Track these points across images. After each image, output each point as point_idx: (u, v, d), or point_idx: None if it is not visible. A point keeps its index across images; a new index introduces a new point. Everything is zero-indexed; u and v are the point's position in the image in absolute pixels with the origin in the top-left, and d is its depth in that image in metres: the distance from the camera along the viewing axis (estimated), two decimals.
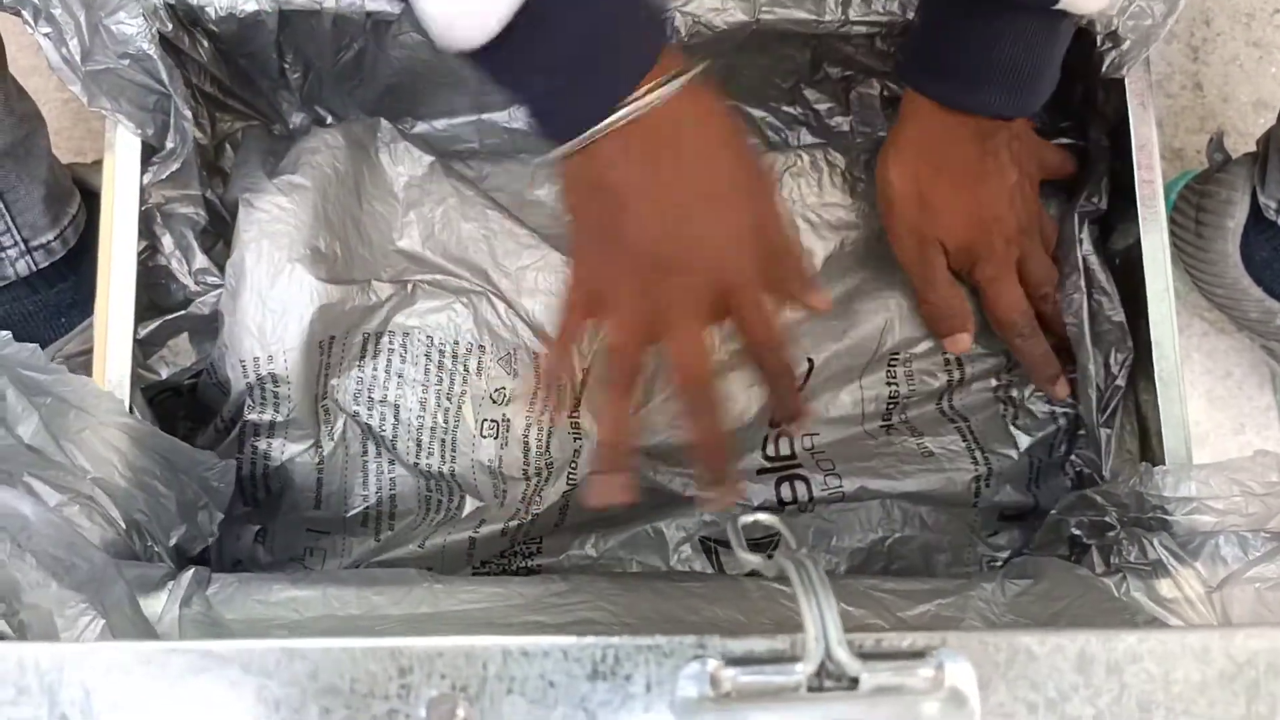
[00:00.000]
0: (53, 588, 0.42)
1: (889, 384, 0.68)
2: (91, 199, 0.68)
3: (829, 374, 0.67)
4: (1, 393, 0.49)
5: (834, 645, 0.27)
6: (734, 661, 0.27)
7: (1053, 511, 0.62)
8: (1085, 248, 0.63)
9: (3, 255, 0.65)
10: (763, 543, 0.66)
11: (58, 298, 0.69)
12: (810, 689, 0.27)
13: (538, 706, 0.26)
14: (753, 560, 0.33)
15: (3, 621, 0.39)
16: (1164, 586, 0.53)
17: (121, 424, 0.52)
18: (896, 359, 0.68)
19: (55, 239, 0.67)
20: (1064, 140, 0.68)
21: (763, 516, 0.35)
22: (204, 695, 0.26)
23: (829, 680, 0.27)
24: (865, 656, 0.27)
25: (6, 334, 0.50)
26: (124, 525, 0.50)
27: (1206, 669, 0.28)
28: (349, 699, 0.26)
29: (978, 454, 0.67)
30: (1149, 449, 0.62)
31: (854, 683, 0.27)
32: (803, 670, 0.27)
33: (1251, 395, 0.83)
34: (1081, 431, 0.68)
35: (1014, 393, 0.69)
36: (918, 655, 0.27)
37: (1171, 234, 0.78)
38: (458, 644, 0.27)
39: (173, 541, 0.54)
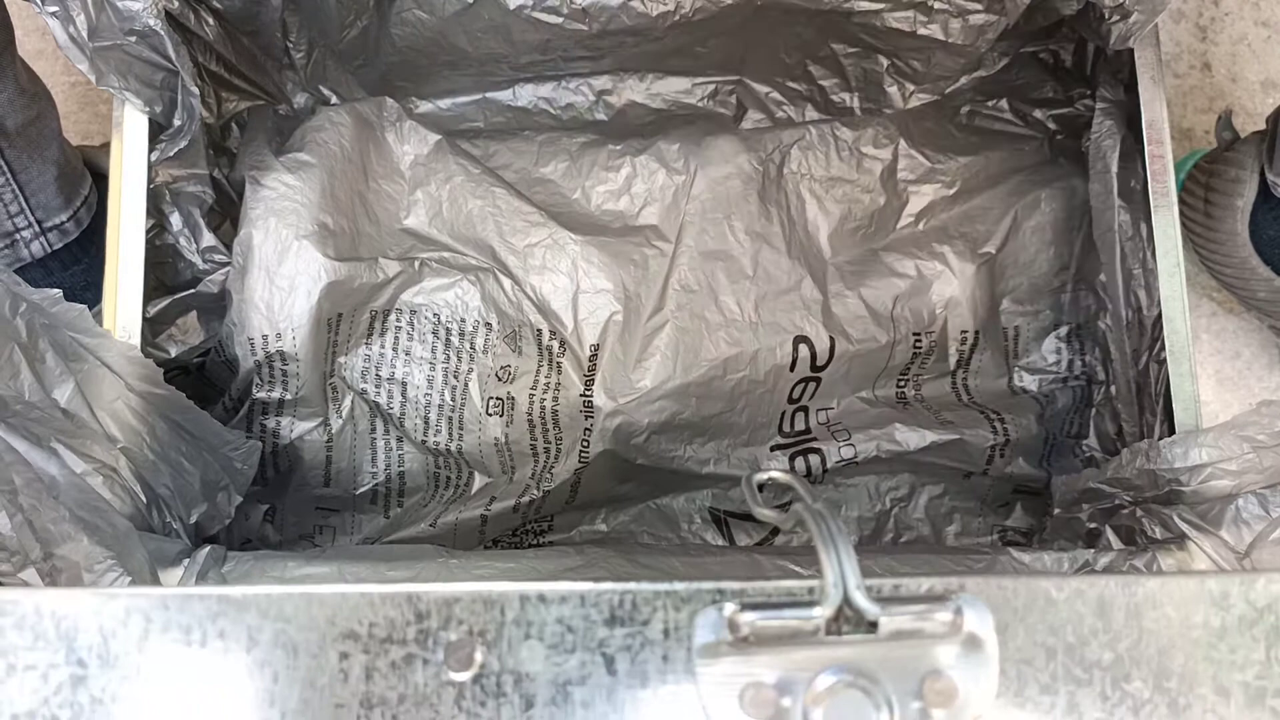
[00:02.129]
0: (84, 542, 0.41)
1: (900, 357, 0.68)
2: (102, 181, 0.68)
3: (843, 346, 0.67)
4: (41, 355, 0.49)
5: (852, 589, 0.26)
6: (752, 606, 0.27)
7: (1057, 511, 0.62)
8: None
9: (18, 236, 0.65)
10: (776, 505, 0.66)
11: (71, 280, 0.69)
12: (829, 633, 0.26)
13: (555, 651, 0.26)
14: (769, 515, 0.33)
15: (34, 570, 0.39)
16: (1195, 560, 0.52)
17: (154, 394, 0.52)
18: (904, 332, 0.68)
19: (69, 219, 0.67)
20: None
21: (776, 474, 0.35)
22: (222, 640, 0.26)
23: (847, 625, 0.27)
24: (883, 600, 0.26)
25: (56, 292, 0.50)
26: (144, 499, 0.50)
27: (1226, 615, 0.28)
28: (367, 644, 0.26)
29: (997, 424, 0.67)
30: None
31: (872, 627, 0.27)
32: (821, 614, 0.26)
33: (1261, 375, 0.83)
34: (1093, 408, 0.68)
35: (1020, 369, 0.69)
36: (936, 599, 0.27)
37: (1180, 214, 0.77)
38: (475, 589, 0.26)
39: (193, 519, 0.54)
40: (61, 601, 0.26)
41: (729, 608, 0.27)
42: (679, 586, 0.27)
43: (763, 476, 0.35)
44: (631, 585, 0.27)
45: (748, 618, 0.26)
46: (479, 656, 0.26)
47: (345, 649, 0.26)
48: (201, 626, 0.26)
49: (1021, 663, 0.27)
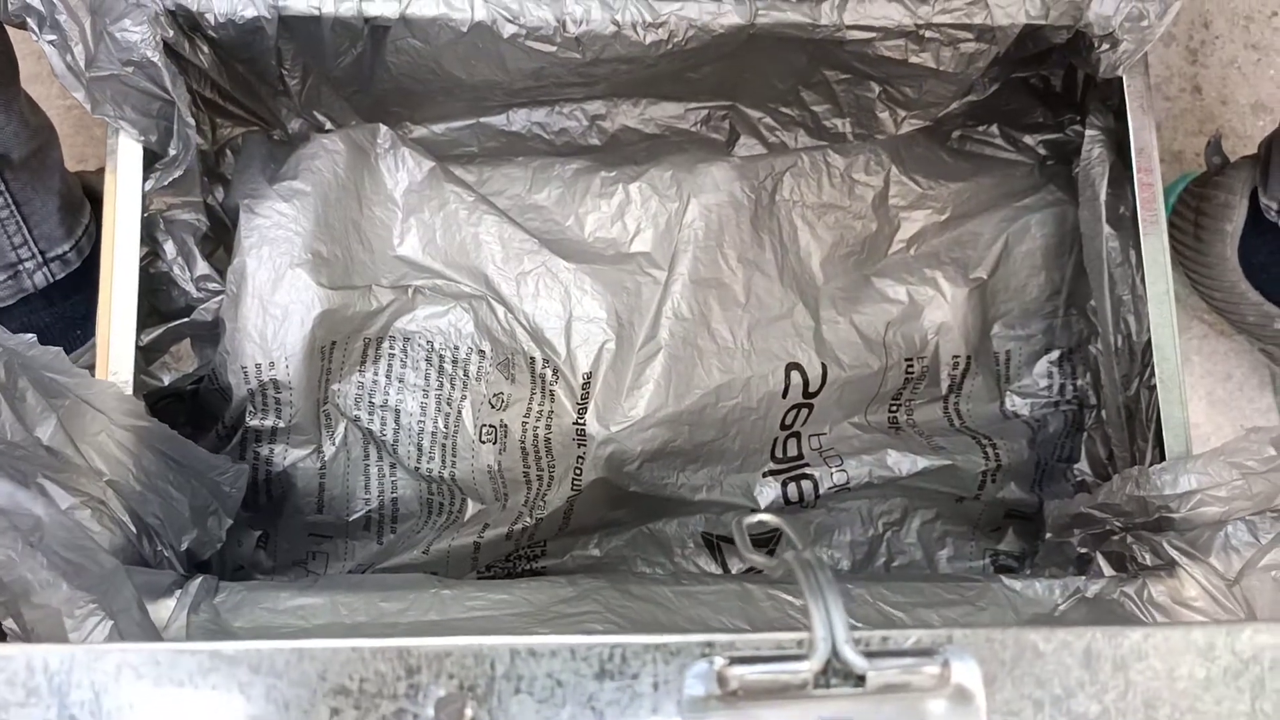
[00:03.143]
0: (63, 588, 0.42)
1: (893, 383, 0.68)
2: (99, 206, 0.68)
3: (835, 372, 0.67)
4: (21, 394, 0.49)
5: (840, 643, 0.27)
6: (741, 660, 0.27)
7: (1049, 536, 0.62)
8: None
9: (21, 268, 0.65)
10: (766, 538, 0.66)
11: (73, 310, 0.69)
12: (817, 686, 0.27)
13: (546, 706, 0.26)
14: (759, 561, 0.33)
15: (10, 620, 0.39)
16: (1186, 586, 0.53)
17: (139, 427, 0.52)
18: (896, 358, 0.68)
19: (71, 249, 0.67)
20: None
21: (766, 517, 0.35)
22: (213, 696, 0.26)
23: (835, 678, 0.27)
24: (871, 654, 0.27)
25: (31, 337, 0.50)
26: (134, 529, 0.50)
27: (1211, 666, 0.28)
28: (358, 699, 0.26)
29: (989, 449, 0.68)
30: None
31: (860, 680, 0.27)
32: (809, 668, 0.27)
33: (1252, 397, 0.83)
34: (1084, 432, 0.69)
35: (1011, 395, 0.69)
36: (924, 653, 0.27)
37: (1171, 238, 0.78)
38: (466, 644, 0.27)
39: (184, 546, 0.54)
40: (54, 657, 0.26)
41: (718, 661, 0.27)
42: (668, 640, 0.27)
43: (753, 519, 0.35)
44: (621, 638, 0.27)
45: (736, 671, 0.27)
46: (469, 712, 0.26)
47: (336, 704, 0.26)
48: (193, 681, 0.26)
49: (1009, 715, 0.28)
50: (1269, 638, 0.28)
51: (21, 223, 0.64)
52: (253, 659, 0.26)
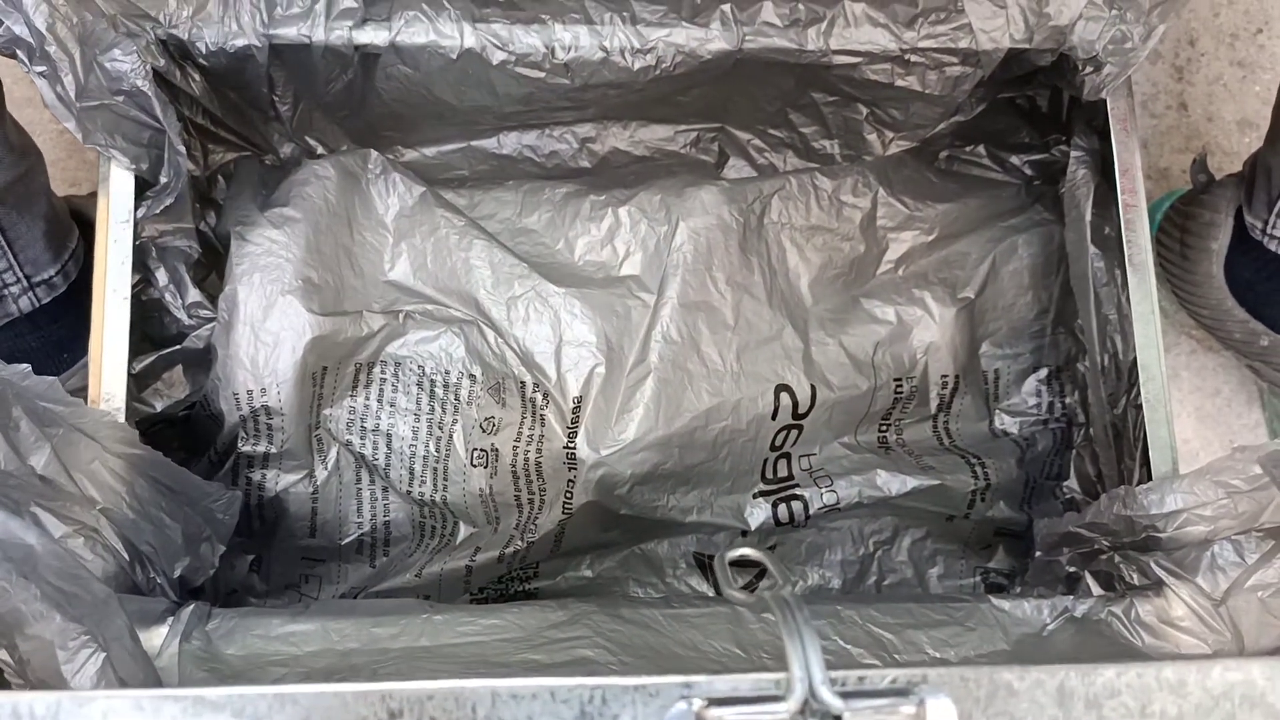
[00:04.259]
0: (56, 620, 0.42)
1: (882, 403, 0.68)
2: (88, 229, 0.69)
3: (824, 393, 0.67)
4: (15, 423, 0.49)
5: (817, 684, 0.27)
6: (719, 701, 0.27)
7: (1038, 554, 0.62)
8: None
9: (6, 293, 0.66)
10: (752, 562, 0.66)
11: (59, 333, 0.69)
12: None
13: None
14: (738, 598, 0.33)
15: (3, 651, 0.39)
16: (1172, 606, 0.53)
17: (132, 455, 0.52)
18: (885, 378, 0.68)
19: (57, 274, 0.67)
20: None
21: (749, 551, 0.35)
22: None
23: (813, 718, 0.27)
24: (848, 695, 0.27)
25: (25, 367, 0.51)
26: (127, 557, 0.50)
27: (1183, 702, 0.29)
28: None
29: (978, 468, 0.68)
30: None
31: None
32: (787, 709, 0.27)
33: (1240, 412, 0.84)
34: (1073, 450, 0.69)
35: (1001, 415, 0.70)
36: (900, 693, 0.27)
37: (1157, 255, 0.79)
38: (448, 687, 0.27)
39: (177, 573, 0.55)
40: (40, 703, 0.26)
41: (696, 703, 0.27)
42: (648, 681, 0.27)
43: (735, 554, 0.35)
44: (601, 680, 0.27)
45: (715, 714, 0.27)
46: None
47: None
48: None
49: None
50: (1240, 674, 0.28)
51: (6, 247, 0.64)
52: (236, 704, 0.26)
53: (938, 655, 0.55)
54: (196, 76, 0.62)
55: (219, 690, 0.26)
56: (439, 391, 0.64)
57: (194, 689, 0.26)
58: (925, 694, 0.28)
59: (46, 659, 0.42)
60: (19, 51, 0.55)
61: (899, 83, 0.65)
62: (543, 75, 0.62)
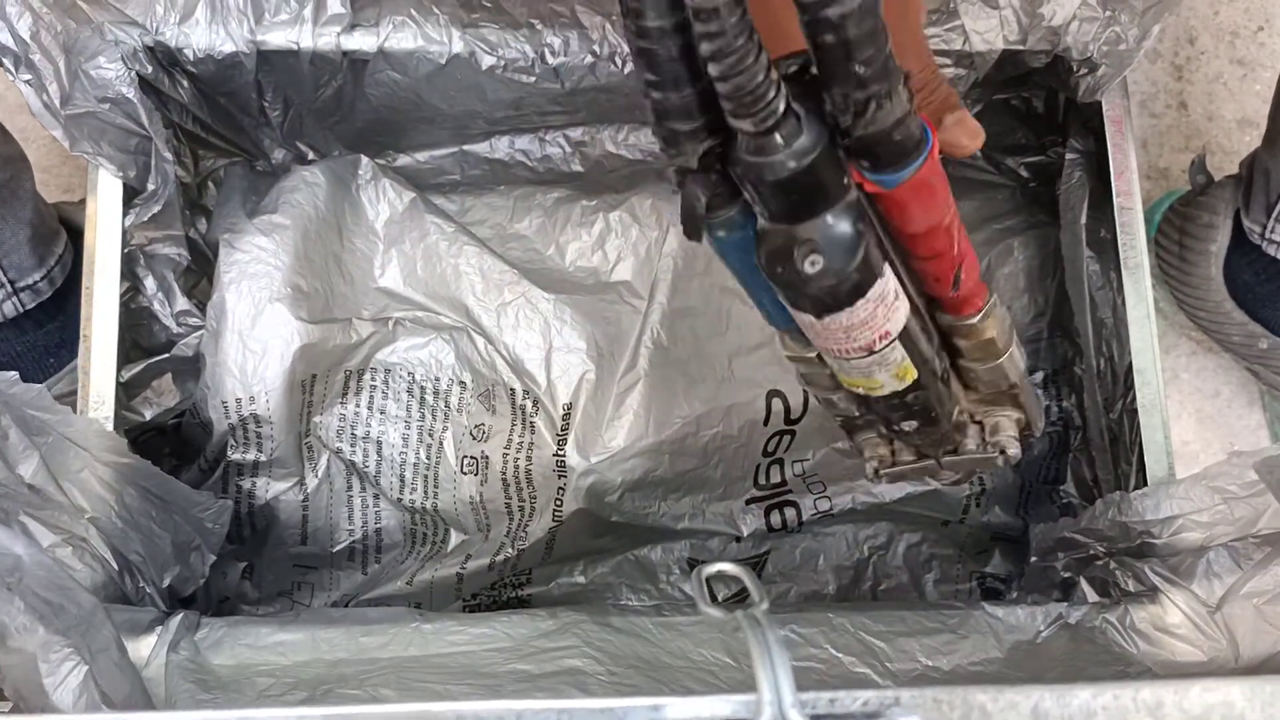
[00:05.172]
0: (40, 632, 0.42)
1: None
2: (78, 237, 0.69)
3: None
4: (4, 432, 0.49)
5: (786, 707, 0.27)
6: None
7: (1034, 560, 0.62)
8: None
9: None
10: (753, 560, 0.66)
11: (45, 338, 0.69)
12: None
13: None
14: (714, 614, 0.33)
15: None
16: (1168, 613, 0.53)
17: (121, 464, 0.52)
18: None
19: (42, 279, 0.67)
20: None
21: (727, 567, 0.35)
22: None
23: None
24: (818, 718, 0.27)
25: (13, 374, 0.51)
26: (116, 566, 0.50)
27: None
28: None
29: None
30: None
31: None
32: None
33: (1241, 413, 0.83)
34: (1070, 454, 0.69)
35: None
36: (871, 716, 0.27)
37: (1156, 256, 0.78)
38: (416, 710, 0.27)
39: (166, 582, 0.54)
40: None
41: None
42: (616, 704, 0.27)
43: (712, 570, 0.35)
44: (569, 703, 0.27)
45: None
46: None
47: None
48: None
49: None
50: (1218, 695, 0.28)
51: None
52: None
53: (930, 663, 0.55)
54: (185, 83, 0.62)
55: (193, 714, 0.26)
56: (429, 399, 0.64)
57: (167, 713, 0.26)
58: (897, 716, 0.27)
59: (28, 672, 0.41)
60: (4, 59, 0.55)
61: None
62: (532, 80, 0.62)
